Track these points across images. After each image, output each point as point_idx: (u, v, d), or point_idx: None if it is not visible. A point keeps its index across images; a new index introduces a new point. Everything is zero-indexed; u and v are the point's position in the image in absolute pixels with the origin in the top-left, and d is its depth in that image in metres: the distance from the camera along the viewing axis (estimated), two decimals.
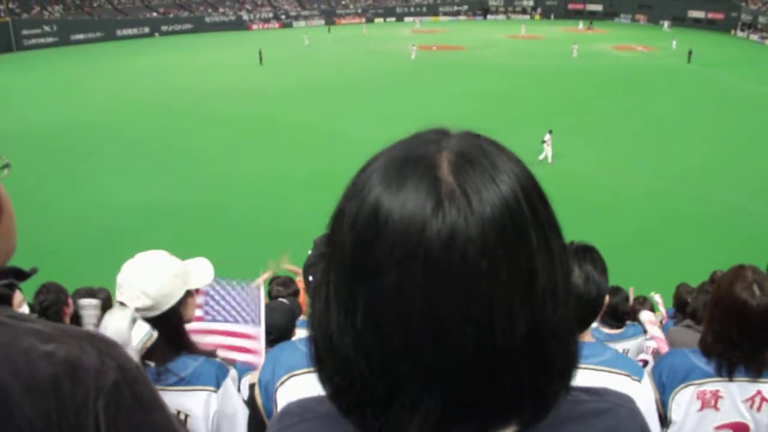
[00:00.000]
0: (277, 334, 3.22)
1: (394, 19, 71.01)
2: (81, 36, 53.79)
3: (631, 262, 11.38)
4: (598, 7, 70.08)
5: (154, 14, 60.84)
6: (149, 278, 1.94)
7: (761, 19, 56.27)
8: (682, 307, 5.33)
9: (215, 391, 2.01)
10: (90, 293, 4.14)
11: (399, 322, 0.57)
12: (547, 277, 0.60)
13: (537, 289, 0.59)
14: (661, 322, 6.12)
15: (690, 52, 40.76)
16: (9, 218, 1.07)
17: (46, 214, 15.48)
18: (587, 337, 2.00)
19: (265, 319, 3.29)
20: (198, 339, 2.36)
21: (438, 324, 0.57)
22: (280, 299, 4.38)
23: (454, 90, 30.68)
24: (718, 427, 2.09)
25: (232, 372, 2.12)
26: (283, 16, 67.05)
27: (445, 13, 72.74)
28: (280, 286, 5.67)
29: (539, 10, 72.89)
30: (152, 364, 1.94)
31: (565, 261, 0.63)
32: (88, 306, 2.73)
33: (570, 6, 71.98)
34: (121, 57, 43.89)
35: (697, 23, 62.28)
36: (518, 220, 0.58)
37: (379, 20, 70.00)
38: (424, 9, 72.46)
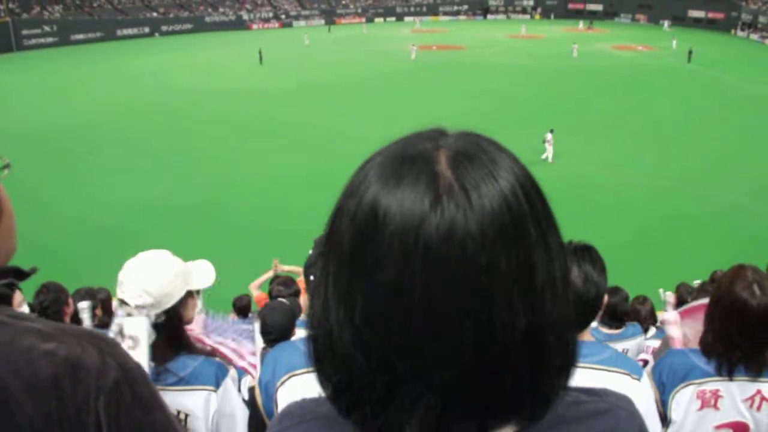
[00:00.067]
0: (277, 334, 3.22)
1: (394, 18, 71.00)
2: (81, 36, 53.78)
3: (631, 262, 11.38)
4: (599, 7, 70.05)
5: (154, 14, 60.83)
6: (151, 277, 1.95)
7: (761, 19, 56.25)
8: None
9: (215, 391, 2.01)
10: (90, 293, 4.14)
11: (398, 318, 0.58)
12: (545, 272, 0.60)
13: (536, 283, 0.59)
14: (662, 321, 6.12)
15: (690, 52, 40.74)
16: (9, 218, 1.07)
17: (46, 214, 15.48)
18: (586, 337, 2.00)
19: (265, 318, 3.30)
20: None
21: (437, 319, 0.57)
22: (280, 299, 4.38)
23: (454, 90, 30.67)
24: (717, 427, 2.09)
25: (232, 372, 2.12)
26: (283, 16, 67.04)
27: (445, 13, 72.73)
28: (281, 286, 5.67)
29: (539, 9, 72.87)
30: (152, 363, 1.95)
31: (563, 258, 0.64)
32: (82, 309, 2.75)
33: (570, 6, 71.96)
34: (121, 57, 43.88)
35: (697, 23, 62.26)
36: (517, 215, 0.58)
37: (379, 20, 69.99)
38: (424, 9, 72.44)
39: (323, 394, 0.67)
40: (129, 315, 1.93)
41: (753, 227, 14.76)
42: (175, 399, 1.95)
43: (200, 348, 2.17)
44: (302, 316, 3.84)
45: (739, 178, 18.28)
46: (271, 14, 66.79)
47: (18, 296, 2.98)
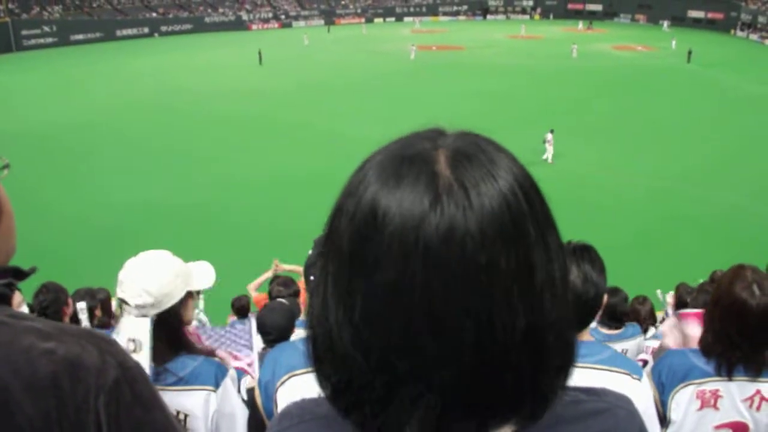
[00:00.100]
0: (277, 334, 3.22)
1: (393, 19, 71.01)
2: (80, 36, 53.76)
3: (632, 263, 11.39)
4: (598, 7, 70.07)
5: (154, 14, 60.82)
6: (151, 276, 1.96)
7: (761, 19, 56.27)
8: (682, 307, 5.33)
9: (214, 391, 2.01)
10: (90, 293, 4.14)
11: (398, 318, 0.58)
12: (545, 271, 0.60)
13: (535, 283, 0.59)
14: (662, 321, 6.13)
15: (690, 52, 40.76)
16: (9, 219, 1.07)
17: (46, 214, 15.48)
18: (586, 337, 2.00)
19: (264, 319, 3.30)
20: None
21: (437, 319, 0.57)
22: (280, 299, 4.38)
23: (453, 90, 30.68)
24: (717, 427, 2.09)
25: (231, 372, 2.13)
26: (283, 16, 67.04)
27: (445, 13, 72.73)
28: (281, 286, 5.67)
29: (539, 10, 72.89)
30: (152, 363, 1.95)
31: (562, 258, 0.64)
32: (80, 310, 2.77)
33: (569, 6, 71.97)
34: (120, 57, 43.88)
35: (696, 23, 62.27)
36: (516, 215, 0.58)
37: (378, 20, 69.99)
38: (424, 9, 72.44)
39: (322, 395, 0.67)
40: (130, 316, 1.93)
41: (753, 228, 14.77)
42: (175, 399, 1.95)
43: (200, 348, 2.17)
44: (302, 317, 3.84)
45: (739, 179, 18.29)
46: (270, 15, 66.79)
47: (17, 296, 2.98)
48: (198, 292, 2.25)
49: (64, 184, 18.40)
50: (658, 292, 7.00)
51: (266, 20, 65.82)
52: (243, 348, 3.27)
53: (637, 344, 3.96)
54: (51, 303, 3.59)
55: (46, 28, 52.30)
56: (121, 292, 1.96)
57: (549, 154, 19.49)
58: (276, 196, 17.06)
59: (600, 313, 2.01)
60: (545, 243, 0.61)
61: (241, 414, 2.10)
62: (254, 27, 63.78)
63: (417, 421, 0.60)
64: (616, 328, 4.07)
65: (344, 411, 0.65)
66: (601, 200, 16.65)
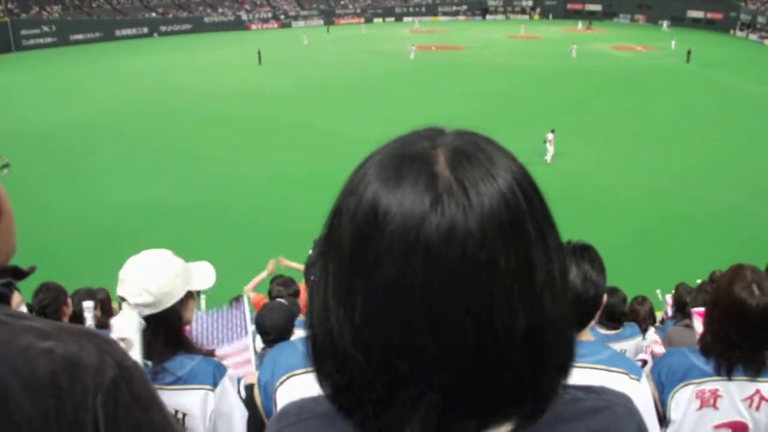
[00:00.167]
0: (276, 334, 3.22)
1: (393, 19, 70.99)
2: (80, 36, 53.73)
3: (631, 263, 11.39)
4: (597, 7, 70.07)
5: (153, 14, 60.79)
6: (152, 275, 1.96)
7: (760, 19, 56.28)
8: (681, 307, 5.33)
9: (212, 390, 2.02)
10: (89, 293, 4.14)
11: (398, 318, 0.58)
12: (545, 270, 0.60)
13: (535, 282, 0.60)
14: (662, 321, 6.14)
15: (689, 52, 40.76)
16: (8, 218, 1.07)
17: (46, 214, 15.48)
18: (586, 336, 2.00)
19: (263, 319, 3.30)
20: None
21: (438, 318, 0.57)
22: (279, 299, 4.38)
23: (453, 90, 30.68)
24: (716, 426, 2.09)
25: (230, 372, 2.13)
26: (282, 16, 67.02)
27: (444, 13, 72.72)
28: (281, 286, 5.67)
29: (538, 10, 72.89)
30: (150, 363, 1.95)
31: (562, 257, 0.64)
32: (86, 308, 2.77)
33: (569, 6, 71.96)
34: (120, 57, 43.86)
35: (696, 23, 62.29)
36: (516, 214, 0.59)
37: (378, 20, 69.98)
38: (423, 9, 72.43)
39: (322, 394, 0.67)
40: (119, 315, 1.93)
41: (752, 227, 14.78)
42: (173, 398, 1.95)
43: (198, 348, 2.17)
44: (301, 317, 3.84)
45: (738, 179, 18.30)
46: (270, 14, 66.77)
47: (16, 296, 2.98)
48: (198, 292, 2.25)
49: (64, 184, 18.39)
50: (658, 292, 7.01)
51: (266, 20, 65.79)
52: (237, 336, 3.26)
53: (635, 344, 3.97)
54: (50, 302, 3.59)
55: (46, 28, 52.28)
56: (121, 290, 1.97)
57: (550, 154, 19.49)
58: (276, 196, 17.06)
59: (599, 313, 2.00)
60: (545, 242, 0.61)
61: (240, 413, 2.10)
62: (254, 27, 63.76)
63: (418, 421, 0.60)
64: (615, 328, 4.08)
65: (345, 411, 0.65)
66: (600, 200, 16.66)
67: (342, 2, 71.12)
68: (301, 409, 0.76)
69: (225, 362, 3.09)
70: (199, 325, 3.20)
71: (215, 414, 2.03)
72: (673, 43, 46.95)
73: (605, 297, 1.97)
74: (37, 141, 22.35)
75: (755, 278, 2.04)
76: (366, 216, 0.59)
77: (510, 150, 0.65)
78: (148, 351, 1.92)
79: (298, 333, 3.32)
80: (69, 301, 3.77)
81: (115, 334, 1.87)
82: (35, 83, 34.21)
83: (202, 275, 2.16)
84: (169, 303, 1.98)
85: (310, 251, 2.29)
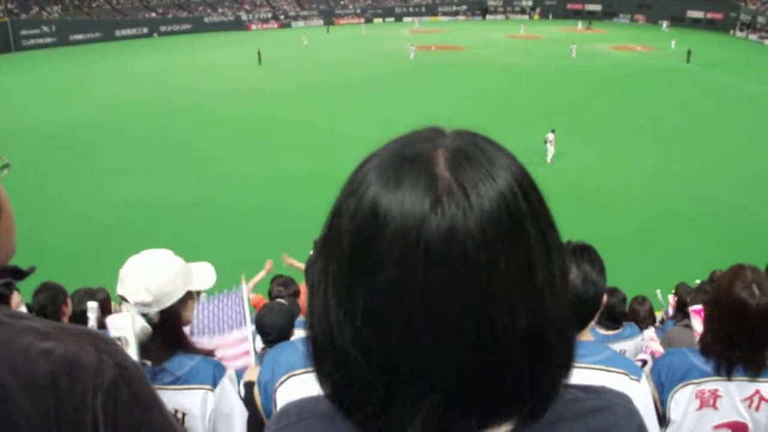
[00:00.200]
0: (276, 334, 3.21)
1: (392, 19, 71.00)
2: (80, 36, 53.73)
3: (631, 263, 11.39)
4: (597, 7, 70.08)
5: (153, 14, 60.79)
6: (152, 275, 1.97)
7: (760, 19, 56.29)
8: (681, 307, 5.33)
9: (212, 390, 2.02)
10: (89, 293, 4.14)
11: (399, 318, 0.58)
12: (545, 270, 0.61)
13: (536, 281, 0.60)
14: (662, 321, 6.14)
15: (689, 52, 40.77)
16: (8, 218, 1.07)
17: (45, 214, 15.48)
18: (586, 337, 2.00)
19: (263, 319, 3.30)
20: None
21: (438, 319, 0.57)
22: (279, 300, 4.38)
23: (452, 90, 30.68)
24: (716, 427, 2.09)
25: (230, 371, 2.13)
26: (282, 17, 67.02)
27: (444, 13, 72.73)
28: (281, 286, 5.67)
29: (538, 10, 72.90)
30: (149, 363, 1.95)
31: (562, 257, 0.64)
32: (91, 309, 2.78)
33: (569, 6, 71.98)
34: (120, 57, 43.86)
35: (696, 23, 62.30)
36: (515, 214, 0.59)
37: (377, 20, 69.99)
38: (423, 9, 72.43)
39: (322, 394, 0.67)
40: (113, 314, 1.94)
41: (752, 228, 14.78)
42: (172, 398, 1.96)
43: (197, 348, 2.17)
44: (301, 317, 3.84)
45: (738, 179, 18.30)
46: (269, 15, 66.76)
47: (16, 296, 2.98)
48: (198, 293, 2.26)
49: (63, 184, 18.39)
50: (658, 292, 7.01)
51: (265, 20, 65.79)
52: (235, 329, 3.24)
53: (635, 344, 3.97)
54: (49, 302, 3.59)
55: (45, 28, 52.27)
56: (121, 289, 1.97)
57: (550, 154, 19.48)
58: (276, 196, 17.07)
59: (599, 313, 2.00)
60: (545, 242, 0.61)
61: (240, 413, 2.10)
62: (253, 27, 63.76)
63: (419, 422, 0.60)
64: (614, 328, 4.08)
65: (345, 410, 0.65)
66: (600, 200, 16.66)
67: (342, 2, 71.12)
68: (301, 408, 0.76)
69: (223, 351, 3.08)
70: (198, 311, 3.19)
71: (215, 414, 2.03)
72: (673, 43, 46.97)
73: (605, 297, 1.97)
74: (37, 141, 22.36)
75: (755, 278, 2.04)
76: (366, 217, 0.59)
77: (510, 150, 0.65)
78: (147, 351, 1.92)
79: (298, 333, 3.32)
80: (69, 301, 3.77)
81: (110, 334, 1.87)
82: (35, 83, 34.21)
83: (203, 275, 2.16)
84: (168, 302, 1.99)
85: (311, 252, 2.29)
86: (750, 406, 2.06)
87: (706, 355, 2.10)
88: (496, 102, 27.93)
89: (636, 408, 0.75)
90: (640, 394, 1.81)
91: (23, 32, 50.62)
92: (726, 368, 2.05)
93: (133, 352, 1.84)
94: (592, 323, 2.02)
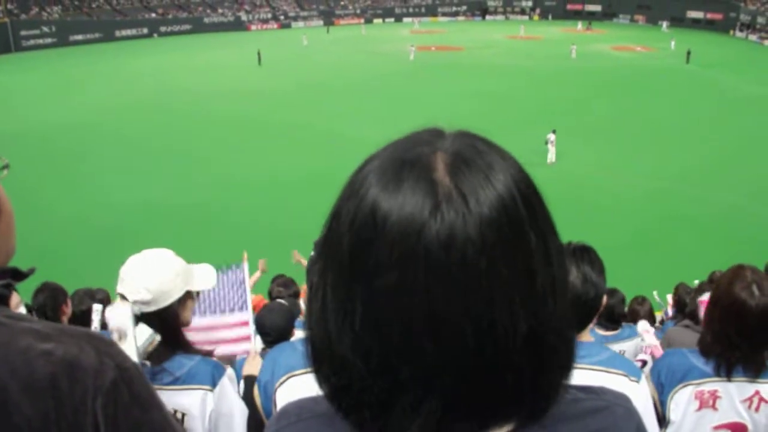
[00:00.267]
0: (276, 335, 3.21)
1: (392, 19, 71.00)
2: (80, 37, 53.71)
3: (630, 263, 11.39)
4: (597, 8, 70.08)
5: (153, 15, 60.78)
6: (152, 274, 1.97)
7: (760, 20, 56.30)
8: (681, 308, 5.33)
9: (211, 390, 2.02)
10: (89, 294, 4.13)
11: (398, 323, 0.58)
12: (545, 274, 0.61)
13: (536, 286, 0.60)
14: (662, 321, 6.14)
15: (689, 53, 40.77)
16: (9, 218, 1.07)
17: (45, 215, 15.48)
18: (586, 337, 2.00)
19: (263, 320, 3.30)
20: (194, 335, 2.37)
21: (438, 324, 0.57)
22: (279, 300, 4.38)
23: (452, 91, 30.68)
24: (716, 427, 2.09)
25: (229, 371, 2.13)
26: (282, 17, 67.01)
27: (444, 14, 72.73)
28: (281, 286, 5.68)
29: (538, 10, 72.89)
30: (148, 363, 1.95)
31: (562, 260, 0.64)
32: (95, 311, 2.79)
33: (569, 6, 71.97)
34: (120, 57, 43.85)
35: (695, 23, 62.31)
36: (515, 219, 0.59)
37: (377, 21, 69.99)
38: (423, 9, 72.44)
39: (321, 394, 0.67)
40: (113, 308, 1.94)
41: (751, 228, 14.78)
42: (172, 398, 1.96)
43: (197, 348, 2.17)
44: (301, 317, 3.84)
45: (738, 179, 18.30)
46: (269, 15, 66.76)
47: (15, 297, 2.98)
48: (198, 293, 2.26)
49: (63, 185, 18.39)
50: (655, 293, 7.01)
51: (265, 21, 65.78)
52: (236, 310, 3.24)
53: (634, 345, 3.97)
54: (49, 303, 3.59)
55: (45, 29, 52.26)
56: (121, 287, 1.98)
57: (552, 155, 19.46)
58: (275, 196, 17.07)
59: (598, 313, 2.00)
60: (545, 247, 0.61)
61: (240, 413, 2.11)
62: (253, 27, 63.74)
63: (418, 425, 0.60)
64: (614, 329, 4.08)
65: (344, 412, 0.65)
66: (600, 200, 16.66)
67: (342, 3, 71.13)
68: (300, 409, 0.76)
69: (222, 333, 3.08)
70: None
71: (215, 414, 2.03)
72: (672, 43, 46.97)
73: (605, 298, 1.97)
74: (36, 141, 22.36)
75: (755, 279, 2.04)
76: (365, 220, 0.59)
77: (510, 152, 0.65)
78: (137, 343, 1.91)
79: (298, 334, 3.32)
80: (69, 301, 3.77)
81: (109, 325, 1.87)
82: (35, 84, 34.21)
83: (203, 276, 2.17)
84: (166, 302, 1.99)
85: (312, 253, 2.29)
86: (750, 406, 2.06)
87: (705, 356, 2.10)
88: (495, 102, 27.93)
89: (635, 408, 0.75)
90: (640, 394, 1.81)
91: (23, 32, 50.61)
92: (726, 369, 2.05)
93: (131, 343, 1.84)
94: (592, 324, 2.02)
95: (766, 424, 2.06)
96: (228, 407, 2.06)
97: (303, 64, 40.26)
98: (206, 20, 62.44)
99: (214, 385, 2.03)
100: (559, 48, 46.05)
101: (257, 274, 6.20)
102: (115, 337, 1.85)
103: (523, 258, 0.59)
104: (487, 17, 73.28)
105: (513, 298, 0.58)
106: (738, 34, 57.91)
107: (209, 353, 2.23)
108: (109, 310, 1.92)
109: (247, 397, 2.38)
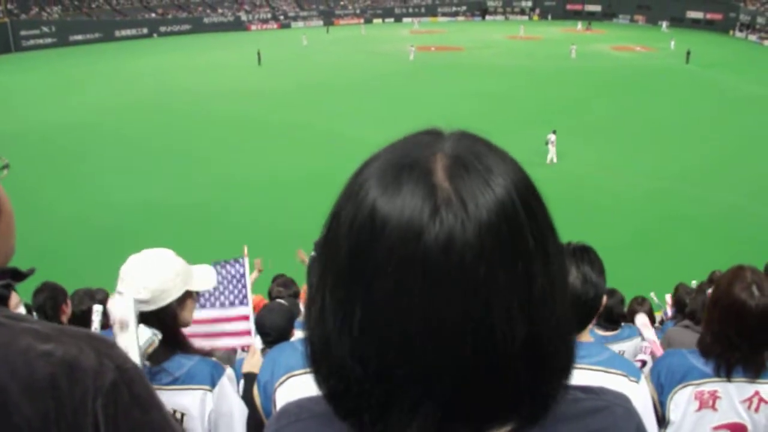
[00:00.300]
0: (276, 335, 3.21)
1: (392, 19, 70.99)
2: (79, 37, 53.71)
3: (630, 263, 11.39)
4: (597, 8, 70.08)
5: (153, 15, 60.78)
6: (151, 273, 1.98)
7: (759, 20, 56.31)
8: (681, 308, 5.33)
9: (210, 390, 2.02)
10: (89, 294, 4.13)
11: (397, 328, 0.58)
12: (544, 278, 0.60)
13: (535, 290, 0.60)
14: (661, 321, 6.13)
15: (688, 53, 40.77)
16: (9, 218, 1.07)
17: (45, 215, 15.48)
18: (585, 337, 2.00)
19: (263, 320, 3.30)
20: (194, 327, 2.37)
21: (436, 329, 0.57)
22: (279, 300, 4.38)
23: (452, 91, 30.68)
24: (715, 428, 2.09)
25: (229, 371, 2.13)
26: (282, 17, 67.00)
27: (444, 14, 72.73)
28: (281, 286, 5.68)
29: (537, 10, 72.89)
30: (147, 363, 1.95)
31: (562, 262, 0.64)
32: (96, 311, 2.79)
33: (568, 6, 71.96)
34: (119, 57, 43.85)
35: (695, 24, 62.31)
36: (514, 223, 0.58)
37: (377, 21, 69.98)
38: (423, 9, 72.44)
39: (321, 394, 0.68)
40: (114, 299, 1.95)
41: (752, 228, 14.78)
42: (171, 398, 1.96)
43: (196, 348, 2.17)
44: (301, 318, 3.84)
45: (738, 179, 18.30)
46: (269, 15, 66.75)
47: (14, 297, 2.98)
48: (197, 294, 2.26)
49: (63, 185, 18.39)
50: (652, 294, 7.00)
51: (265, 21, 65.78)
52: (237, 304, 3.25)
53: (634, 345, 3.97)
54: (49, 303, 3.59)
55: (45, 29, 52.25)
56: (120, 286, 1.98)
57: (553, 155, 19.45)
58: (275, 196, 17.07)
59: (598, 314, 2.00)
60: (544, 248, 0.61)
61: (240, 413, 2.11)
62: (253, 27, 63.74)
63: (417, 428, 0.60)
64: (613, 329, 4.08)
65: (343, 414, 0.65)
66: (600, 200, 16.67)
67: (341, 3, 71.12)
68: (300, 408, 0.76)
69: (222, 326, 3.09)
70: None
71: (215, 414, 2.03)
72: (672, 43, 46.98)
73: (605, 298, 1.97)
74: (36, 141, 22.36)
75: (755, 279, 2.04)
76: (364, 224, 0.59)
77: (510, 153, 0.65)
78: (138, 334, 1.91)
79: (298, 334, 3.31)
80: (69, 301, 3.77)
81: (111, 316, 1.87)
82: (35, 84, 34.21)
83: (203, 277, 2.17)
84: (165, 301, 1.99)
85: (312, 253, 2.29)
86: (749, 407, 2.06)
87: (705, 356, 2.10)
88: (495, 102, 27.94)
89: (634, 408, 0.75)
90: (639, 395, 1.81)
91: (23, 33, 50.61)
92: (725, 369, 2.05)
93: (132, 333, 1.84)
94: (591, 325, 2.02)
95: (766, 425, 2.06)
96: (228, 407, 2.07)
97: (303, 64, 40.26)
98: (206, 20, 62.44)
99: (213, 385, 2.03)
100: (558, 48, 46.05)
101: (255, 273, 6.21)
102: (116, 328, 1.85)
103: (522, 263, 0.59)
104: (487, 17, 73.28)
105: (511, 303, 0.58)
106: (738, 34, 57.92)
107: (209, 353, 2.23)
108: (111, 301, 1.93)
109: (247, 396, 2.38)
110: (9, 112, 27.03)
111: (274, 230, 14.21)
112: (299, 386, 1.93)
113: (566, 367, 0.66)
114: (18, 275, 1.04)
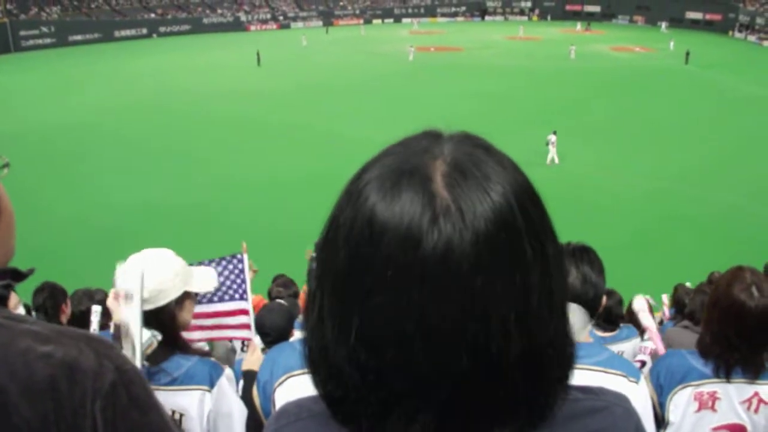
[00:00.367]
0: (275, 335, 3.22)
1: (392, 20, 71.00)
2: (79, 37, 53.70)
3: (629, 263, 11.39)
4: (596, 8, 70.11)
5: (152, 15, 60.77)
6: (151, 272, 1.97)
7: (759, 20, 56.34)
8: (680, 308, 5.33)
9: (209, 391, 2.02)
10: (88, 294, 4.13)
11: (394, 338, 0.58)
12: (542, 286, 0.60)
13: (533, 300, 0.59)
14: (661, 322, 6.13)
15: (687, 53, 40.79)
16: (9, 217, 1.07)
17: (45, 215, 15.46)
18: (585, 338, 2.00)
19: (263, 320, 3.30)
20: (194, 321, 2.37)
21: (433, 338, 0.57)
22: (279, 300, 4.39)
23: (452, 91, 30.68)
24: (715, 429, 2.09)
25: (228, 371, 2.13)
26: (281, 17, 67.00)
27: (443, 14, 72.75)
28: (281, 287, 5.68)
29: (537, 11, 72.92)
30: (146, 363, 1.95)
31: (561, 265, 0.64)
32: (94, 312, 2.79)
33: (568, 7, 71.98)
34: (119, 58, 43.84)
35: (694, 24, 62.35)
36: (512, 231, 0.58)
37: (377, 21, 69.99)
38: (422, 10, 72.46)
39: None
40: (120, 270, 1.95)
41: (751, 228, 14.78)
42: (170, 399, 1.96)
43: (195, 348, 2.17)
44: (300, 318, 3.84)
45: (737, 179, 18.31)
46: (268, 15, 66.75)
47: (14, 297, 2.98)
48: (197, 295, 2.26)
49: (63, 185, 18.38)
50: (649, 297, 6.98)
51: (264, 21, 65.78)
52: (237, 299, 3.25)
53: (633, 345, 3.96)
54: (49, 303, 3.59)
55: (45, 29, 52.23)
56: (119, 284, 1.98)
57: (553, 156, 19.44)
58: (275, 196, 17.06)
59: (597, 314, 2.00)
60: (543, 255, 0.61)
61: (239, 413, 2.11)
62: (252, 28, 63.74)
63: None
64: (611, 330, 4.08)
65: (341, 420, 0.65)
66: (599, 200, 16.67)
67: (341, 3, 71.13)
68: (299, 408, 0.76)
69: (222, 319, 3.08)
70: None
71: (214, 414, 2.03)
72: (671, 44, 47.01)
73: (604, 298, 1.97)
74: (36, 142, 22.34)
75: (754, 280, 2.04)
76: (363, 232, 0.59)
77: (509, 154, 0.65)
78: (143, 311, 1.91)
79: (298, 334, 3.31)
80: (68, 301, 3.76)
81: (116, 285, 1.87)
82: (34, 84, 34.19)
83: (203, 278, 2.17)
84: (163, 301, 1.99)
85: (313, 253, 2.29)
86: (749, 408, 2.06)
87: (705, 357, 2.09)
88: (495, 103, 27.94)
89: (634, 408, 0.75)
90: (639, 395, 1.81)
91: (22, 33, 50.59)
92: (725, 370, 2.05)
93: (136, 305, 1.83)
94: (590, 325, 2.02)
95: (765, 426, 2.06)
96: (227, 407, 2.06)
97: (302, 64, 40.25)
98: (205, 21, 62.43)
99: (212, 385, 2.03)
100: (558, 48, 46.07)
101: (250, 274, 6.20)
102: (121, 299, 1.85)
103: (520, 272, 0.59)
104: (486, 18, 73.31)
105: (509, 313, 0.58)
106: (737, 34, 57.96)
107: (207, 354, 2.23)
108: (120, 270, 1.92)
109: (247, 394, 2.38)
110: (8, 113, 27.01)
111: (274, 231, 14.20)
112: (298, 386, 1.93)
113: (564, 376, 0.66)
114: (18, 275, 1.04)
